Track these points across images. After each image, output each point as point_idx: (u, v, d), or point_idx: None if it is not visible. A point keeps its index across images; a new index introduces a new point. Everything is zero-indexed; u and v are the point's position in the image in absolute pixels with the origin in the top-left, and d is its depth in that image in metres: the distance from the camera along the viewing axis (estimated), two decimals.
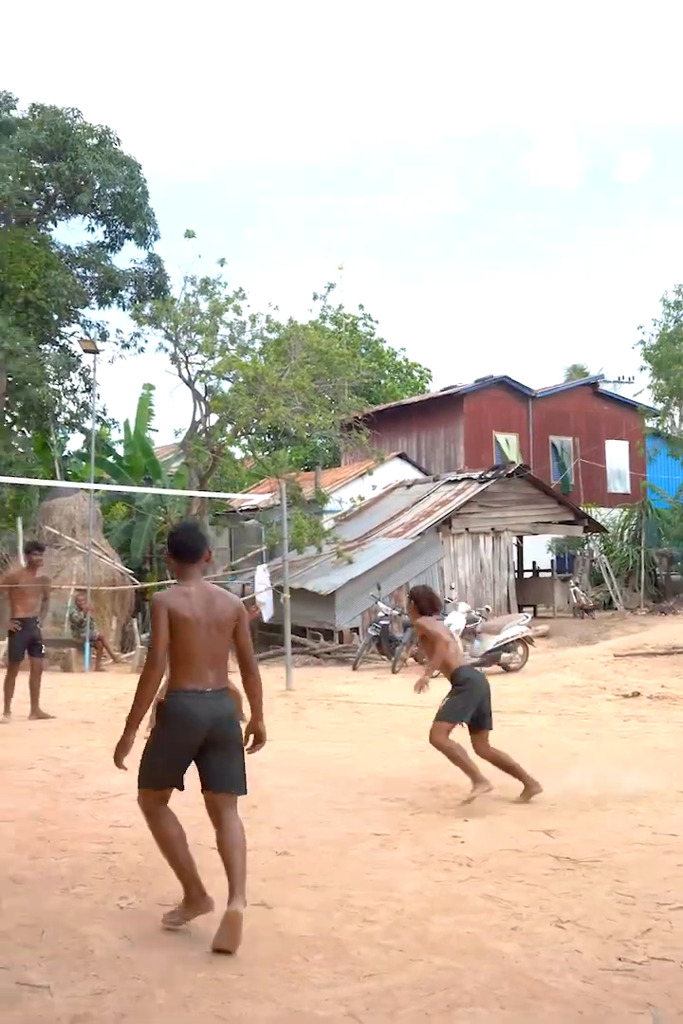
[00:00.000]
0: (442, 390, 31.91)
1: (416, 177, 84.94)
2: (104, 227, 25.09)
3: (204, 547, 4.66)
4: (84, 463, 25.70)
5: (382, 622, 16.50)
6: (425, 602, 7.17)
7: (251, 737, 4.54)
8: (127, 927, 4.42)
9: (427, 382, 39.94)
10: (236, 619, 4.50)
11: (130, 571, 21.49)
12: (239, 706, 5.30)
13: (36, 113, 23.57)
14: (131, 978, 3.86)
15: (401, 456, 27.01)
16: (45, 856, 5.47)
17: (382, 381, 36.76)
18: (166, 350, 21.60)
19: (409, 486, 24.25)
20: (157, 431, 28.66)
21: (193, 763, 4.41)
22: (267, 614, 18.52)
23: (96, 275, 24.64)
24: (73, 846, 5.65)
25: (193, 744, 4.33)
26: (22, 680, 10.90)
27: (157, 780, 4.41)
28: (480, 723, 6.87)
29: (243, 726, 4.56)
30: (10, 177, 21.58)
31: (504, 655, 14.95)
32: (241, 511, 24.91)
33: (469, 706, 6.81)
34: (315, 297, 22.93)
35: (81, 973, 3.91)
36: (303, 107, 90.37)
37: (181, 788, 4.43)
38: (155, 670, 4.32)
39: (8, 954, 4.08)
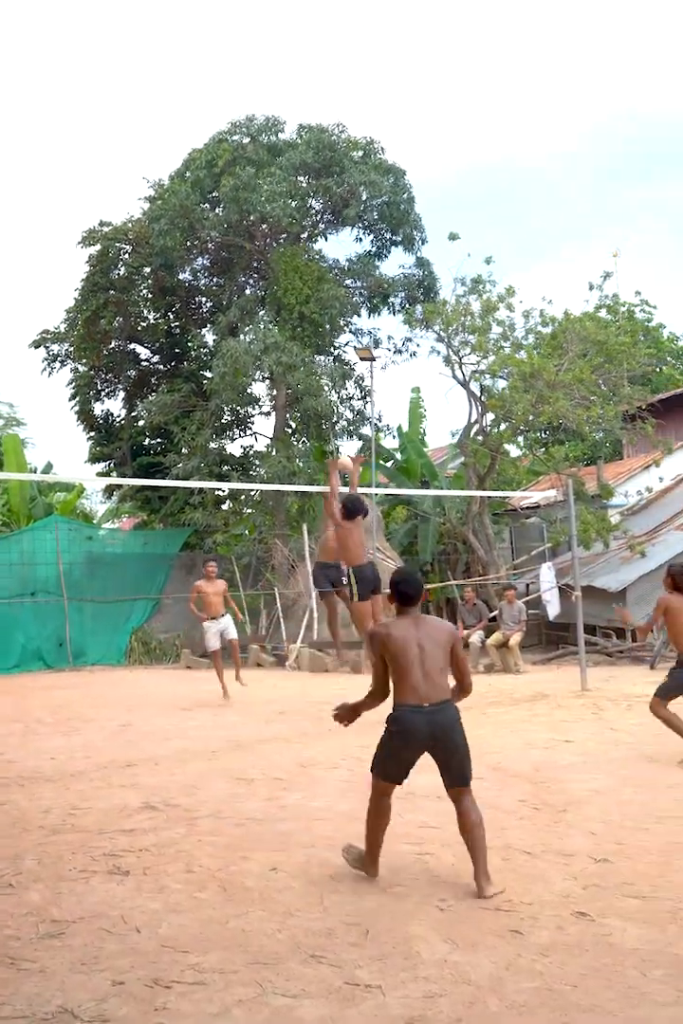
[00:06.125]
0: None
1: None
2: (371, 236, 25.51)
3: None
4: (362, 469, 26.20)
5: None
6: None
7: None
8: (449, 930, 4.35)
9: None
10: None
11: None
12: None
13: (303, 133, 24.31)
14: (461, 983, 3.77)
15: None
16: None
17: (662, 369, 35.16)
18: (438, 352, 21.68)
19: None
20: (426, 435, 28.73)
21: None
22: (553, 612, 18.15)
23: (365, 284, 25.09)
24: (386, 846, 5.64)
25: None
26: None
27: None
28: None
29: None
30: (280, 198, 22.34)
31: None
32: (522, 509, 24.55)
33: None
34: (591, 287, 22.32)
35: (410, 974, 3.86)
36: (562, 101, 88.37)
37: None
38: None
39: (337, 952, 4.10)
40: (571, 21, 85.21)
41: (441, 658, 4.96)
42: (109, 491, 28.54)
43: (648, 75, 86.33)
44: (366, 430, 23.99)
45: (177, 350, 26.94)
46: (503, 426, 21.23)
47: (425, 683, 4.88)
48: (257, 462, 25.03)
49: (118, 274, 25.38)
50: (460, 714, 4.98)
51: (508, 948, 4.10)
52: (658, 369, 33.77)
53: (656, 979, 3.78)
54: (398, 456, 26.06)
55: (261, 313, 23.39)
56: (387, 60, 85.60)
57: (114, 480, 25.69)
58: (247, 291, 25.45)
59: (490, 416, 21.39)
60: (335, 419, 23.74)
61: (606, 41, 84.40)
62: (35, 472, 28.77)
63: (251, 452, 25.88)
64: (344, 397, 24.25)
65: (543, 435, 28.10)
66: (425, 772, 7.73)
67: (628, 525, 20.45)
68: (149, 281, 25.91)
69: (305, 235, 25.03)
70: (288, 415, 23.80)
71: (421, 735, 4.87)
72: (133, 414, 26.65)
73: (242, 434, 25.71)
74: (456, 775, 5.00)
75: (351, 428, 24.55)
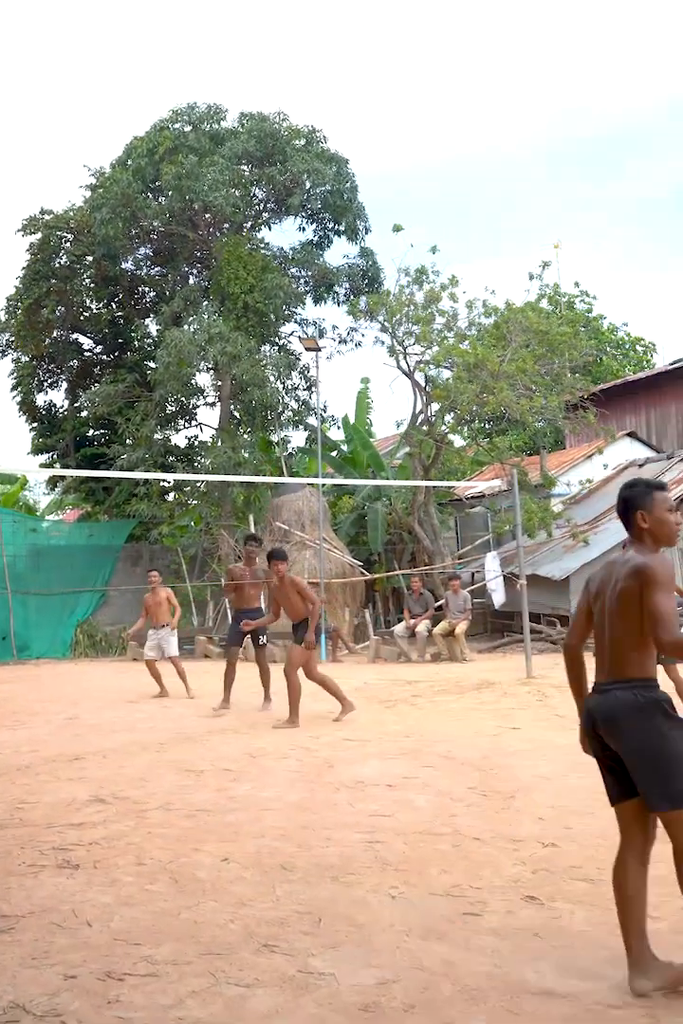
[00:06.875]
0: (672, 364, 30.36)
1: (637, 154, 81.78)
2: (315, 226, 25.43)
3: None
4: (307, 459, 26.22)
5: None
6: None
7: None
8: (402, 917, 4.38)
9: (652, 356, 38.39)
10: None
11: (359, 563, 21.73)
12: None
13: (245, 121, 24.14)
14: (414, 969, 3.80)
15: (630, 434, 25.97)
16: (311, 844, 5.52)
17: (602, 359, 35.61)
18: (383, 343, 21.68)
19: (641, 465, 23.29)
20: (373, 426, 28.83)
21: None
22: (498, 601, 18.34)
23: (310, 274, 25.03)
24: (337, 835, 5.68)
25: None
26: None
27: None
28: None
29: None
30: (223, 187, 22.17)
31: None
32: (466, 499, 24.71)
33: None
34: (531, 277, 22.38)
35: (363, 962, 3.88)
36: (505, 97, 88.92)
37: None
38: None
39: (290, 941, 4.12)
40: (519, 19, 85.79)
41: (617, 614, 3.49)
42: (53, 483, 28.19)
43: (596, 75, 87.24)
44: (312, 420, 23.97)
45: (120, 340, 26.68)
46: (448, 417, 21.33)
47: (601, 651, 3.60)
48: (202, 453, 24.89)
49: (60, 263, 25.04)
50: (643, 700, 3.47)
51: (460, 933, 4.14)
52: (599, 359, 34.20)
53: (604, 961, 3.84)
54: (344, 447, 26.08)
55: (205, 303, 23.24)
56: (328, 42, 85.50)
57: (58, 471, 25.36)
58: (191, 281, 25.27)
59: (435, 406, 21.48)
60: (280, 409, 23.68)
61: (554, 40, 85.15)
62: None
63: (196, 443, 25.75)
64: (289, 387, 24.22)
65: (487, 425, 28.33)
66: (373, 759, 7.84)
67: (571, 514, 20.67)
68: (91, 270, 25.60)
69: (249, 224, 24.90)
70: (233, 405, 23.69)
71: (589, 728, 3.69)
72: (76, 405, 26.30)
73: (187, 425, 25.59)
74: (643, 789, 3.57)
75: (297, 418, 24.53)
